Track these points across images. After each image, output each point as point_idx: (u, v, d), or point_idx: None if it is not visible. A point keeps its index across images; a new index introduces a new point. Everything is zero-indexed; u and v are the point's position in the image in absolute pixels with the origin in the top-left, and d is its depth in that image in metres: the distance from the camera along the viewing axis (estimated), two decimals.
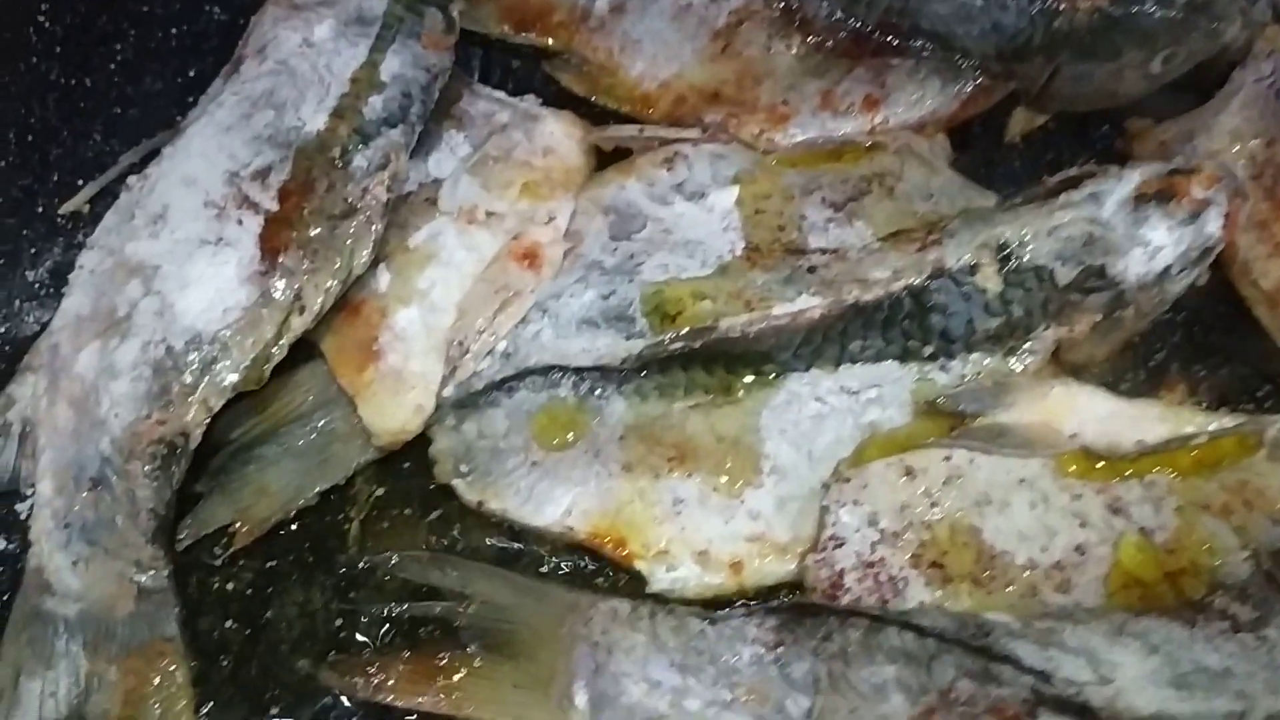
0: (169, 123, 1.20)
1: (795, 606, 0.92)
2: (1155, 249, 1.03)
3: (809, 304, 1.02)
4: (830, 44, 1.24)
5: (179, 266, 1.03)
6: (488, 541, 1.04)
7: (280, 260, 1.03)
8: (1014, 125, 1.29)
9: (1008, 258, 1.03)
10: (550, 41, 1.31)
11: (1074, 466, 1.01)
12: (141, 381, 0.99)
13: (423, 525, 1.04)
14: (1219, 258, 1.14)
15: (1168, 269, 1.04)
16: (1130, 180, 1.04)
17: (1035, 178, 1.13)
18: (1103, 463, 1.01)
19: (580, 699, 0.91)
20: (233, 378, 1.00)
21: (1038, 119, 1.29)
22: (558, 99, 1.28)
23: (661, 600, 0.98)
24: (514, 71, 1.33)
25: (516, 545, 1.04)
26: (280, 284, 1.03)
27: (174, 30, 1.31)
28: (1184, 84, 1.27)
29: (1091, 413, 1.04)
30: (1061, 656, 0.85)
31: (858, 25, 1.24)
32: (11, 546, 1.00)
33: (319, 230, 1.05)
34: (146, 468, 0.97)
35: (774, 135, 1.20)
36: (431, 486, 1.05)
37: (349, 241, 1.05)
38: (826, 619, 0.90)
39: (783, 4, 1.26)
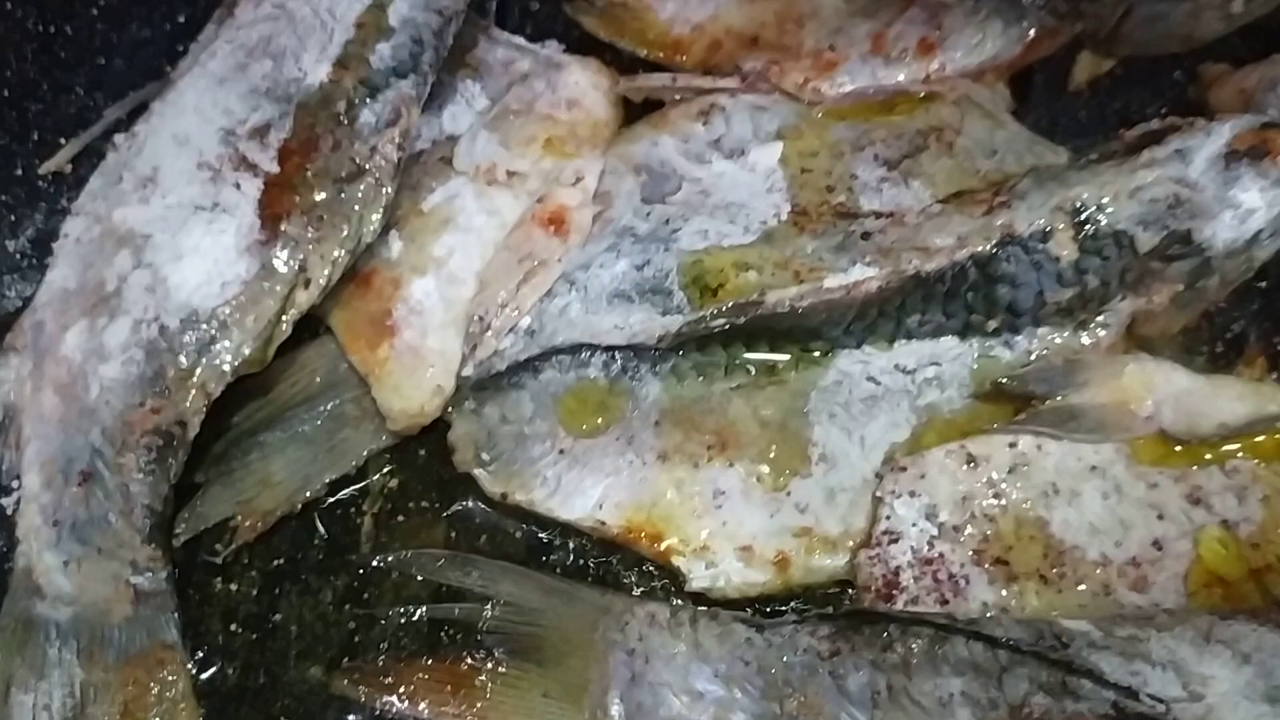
0: (158, 73, 1.13)
1: (852, 613, 0.85)
2: (1247, 212, 0.94)
3: (865, 275, 0.93)
4: None
5: (172, 236, 0.95)
6: (514, 536, 0.97)
7: (282, 228, 0.96)
8: (1079, 72, 1.19)
9: (1084, 222, 0.94)
10: None
11: (1150, 452, 0.95)
12: (134, 365, 0.92)
13: (442, 519, 0.98)
14: None
15: (1258, 234, 0.94)
16: (1221, 135, 0.95)
17: (1103, 130, 1.06)
18: (1181, 448, 0.94)
19: (615, 710, 0.85)
20: (233, 360, 0.93)
21: (1104, 64, 1.19)
22: (581, 45, 1.19)
23: (701, 600, 0.92)
24: (534, 14, 1.24)
25: (544, 540, 0.97)
26: (283, 254, 0.95)
27: None
28: (1263, 26, 1.17)
29: (1168, 391, 0.96)
30: (1147, 669, 0.78)
31: None
32: None
33: (324, 194, 0.98)
34: (141, 460, 0.91)
35: (820, 85, 1.11)
36: (451, 476, 0.98)
37: (357, 206, 0.98)
38: (887, 627, 0.83)
39: None
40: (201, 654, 0.92)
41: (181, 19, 1.20)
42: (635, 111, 1.14)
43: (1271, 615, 0.84)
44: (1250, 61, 1.16)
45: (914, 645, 0.82)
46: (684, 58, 1.17)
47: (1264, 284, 1.07)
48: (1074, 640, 0.80)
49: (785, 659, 0.84)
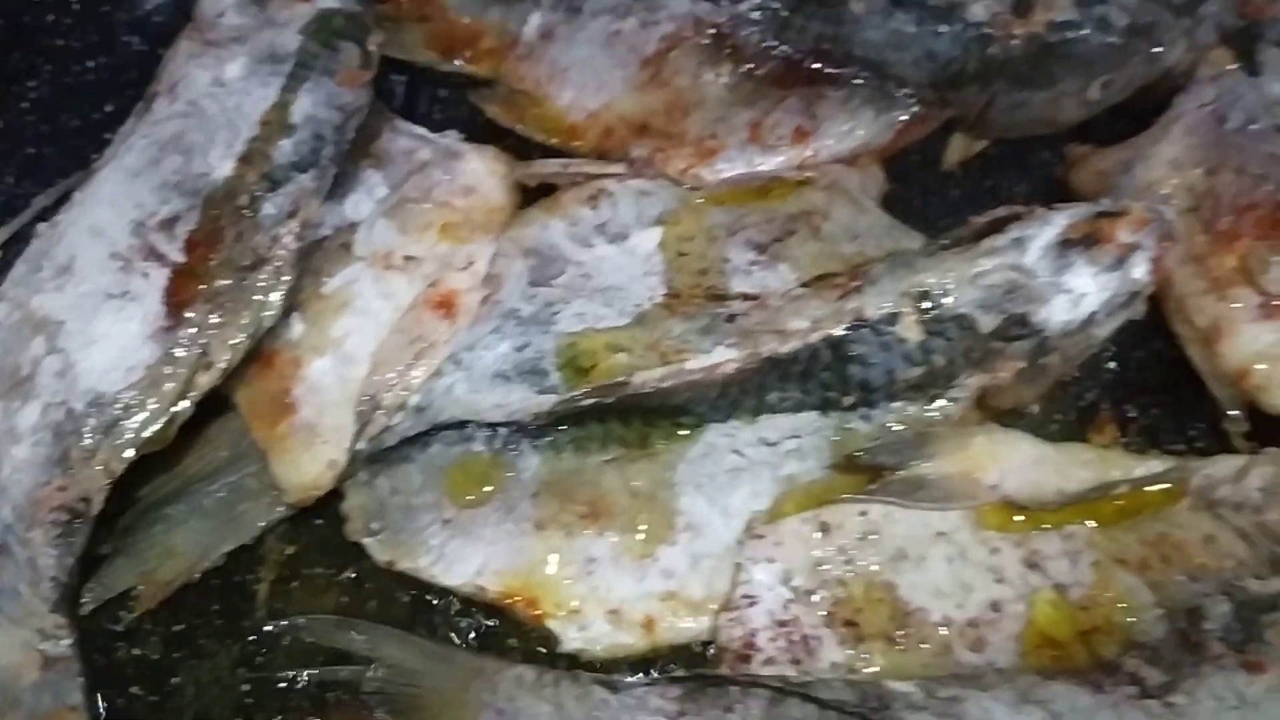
0: (86, 162, 1.18)
1: (698, 676, 0.91)
2: (1079, 296, 1.00)
3: (725, 357, 1.00)
4: (761, 72, 1.22)
5: (83, 323, 1.01)
6: (401, 602, 1.03)
7: (186, 315, 1.02)
8: (952, 153, 1.26)
9: (929, 307, 1.00)
10: (478, 69, 1.29)
11: (994, 519, 1.00)
12: (42, 446, 0.97)
13: (334, 585, 1.03)
14: (1155, 293, 1.12)
15: (1093, 315, 1.01)
16: (1055, 225, 1.01)
17: (974, 207, 1.10)
18: (1023, 514, 1.00)
19: None
20: (135, 440, 0.98)
21: (976, 146, 1.27)
22: (485, 131, 1.25)
23: (571, 661, 0.98)
24: (441, 101, 1.31)
25: (430, 604, 1.03)
26: (186, 340, 1.01)
27: (90, 64, 1.29)
28: (1128, 108, 1.25)
29: (1014, 461, 1.02)
30: None
31: (789, 52, 1.22)
32: None
33: (227, 282, 1.03)
34: (48, 535, 0.96)
35: (701, 171, 1.18)
36: (343, 545, 1.04)
37: (258, 294, 1.03)
38: (728, 689, 0.89)
39: (713, 30, 1.23)
40: (104, 715, 0.97)
41: (110, 108, 1.26)
42: (532, 195, 1.20)
43: (1091, 676, 0.90)
44: (1114, 143, 1.24)
45: (753, 706, 0.88)
46: (580, 142, 1.23)
47: (1116, 353, 1.15)
48: (895, 701, 0.86)
49: (637, 718, 0.90)
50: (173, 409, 1.00)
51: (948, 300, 1.00)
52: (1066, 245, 1.01)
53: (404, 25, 1.30)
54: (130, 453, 0.98)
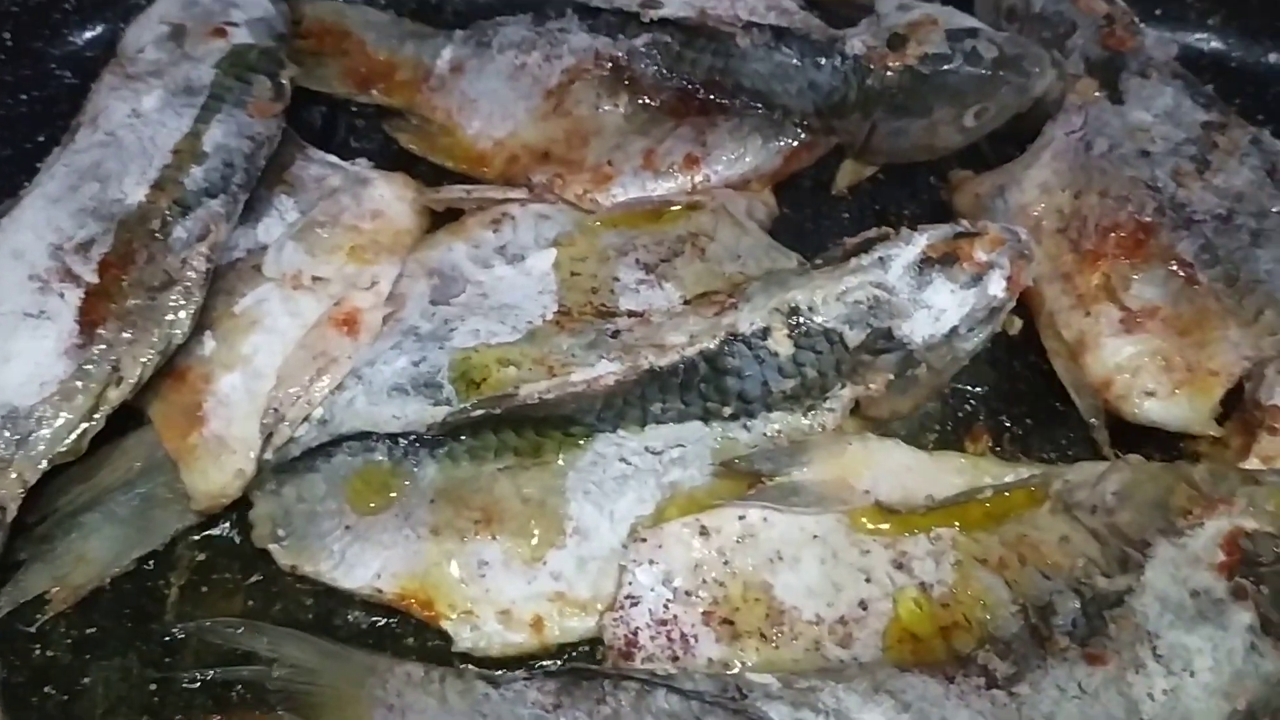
0: (17, 189, 1.22)
1: (572, 670, 0.96)
2: (939, 311, 1.07)
3: (606, 370, 1.06)
4: (656, 103, 1.29)
5: (2, 341, 1.06)
6: (305, 604, 1.07)
7: (98, 332, 1.07)
8: (841, 178, 1.34)
9: (798, 322, 1.07)
10: (392, 101, 1.36)
11: (867, 522, 1.05)
12: None
13: (242, 588, 1.08)
14: (1027, 309, 1.19)
15: (954, 329, 1.08)
16: (916, 244, 1.08)
17: (865, 228, 1.16)
18: (894, 518, 1.05)
19: None
20: (47, 451, 1.04)
21: (865, 171, 1.34)
22: (399, 159, 1.32)
23: (465, 659, 1.02)
24: (356, 131, 1.37)
25: (331, 608, 1.07)
26: (97, 356, 1.06)
27: (23, 96, 1.34)
28: (1010, 133, 1.32)
29: (887, 467, 1.08)
30: (812, 716, 0.89)
31: (682, 84, 1.29)
32: None
33: (138, 301, 1.09)
34: None
35: (597, 195, 1.25)
36: (251, 550, 1.08)
37: (168, 312, 1.09)
38: (600, 682, 0.94)
39: (611, 63, 1.30)
40: (16, 714, 1.00)
41: (41, 138, 1.31)
42: (441, 219, 1.26)
43: (944, 668, 0.96)
44: (996, 167, 1.31)
45: (623, 699, 0.92)
46: (487, 170, 1.31)
47: (991, 366, 1.22)
48: (753, 691, 0.91)
49: (516, 711, 0.94)
50: (84, 423, 1.05)
51: (817, 316, 1.07)
52: (926, 264, 1.08)
53: (322, 59, 1.37)
54: (44, 464, 1.03)
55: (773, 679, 0.93)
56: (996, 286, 1.07)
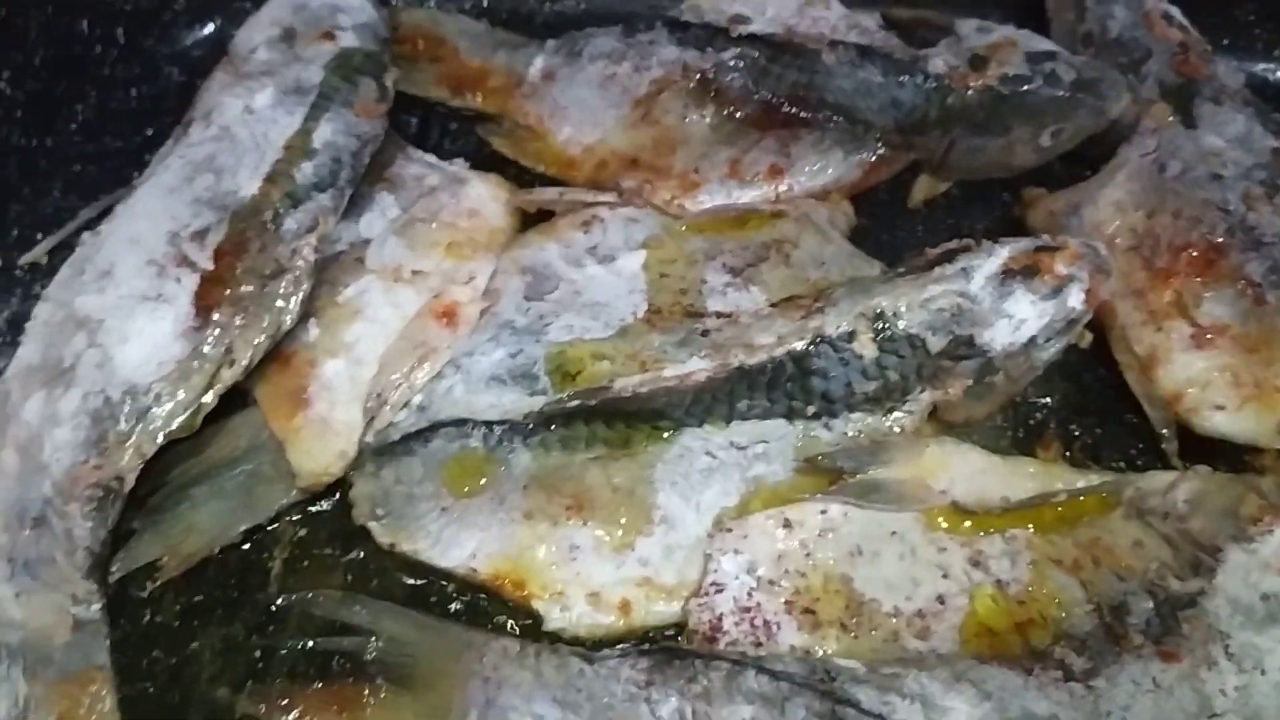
0: (126, 180, 1.28)
1: (665, 649, 0.99)
2: (1019, 321, 1.11)
3: (697, 367, 1.10)
4: (741, 114, 1.34)
5: (121, 321, 1.12)
6: (400, 581, 1.11)
7: (213, 317, 1.12)
8: (916, 192, 1.38)
9: (883, 327, 1.11)
10: (485, 106, 1.41)
11: (943, 521, 1.09)
12: (81, 429, 1.07)
13: (340, 564, 1.12)
14: (1100, 323, 1.22)
15: (1033, 339, 1.12)
16: (998, 256, 1.12)
17: (937, 242, 1.20)
18: (970, 518, 1.09)
19: None
20: (164, 427, 1.08)
21: (940, 186, 1.38)
22: (490, 161, 1.37)
23: (555, 638, 1.06)
24: (450, 133, 1.43)
25: (425, 584, 1.11)
26: (212, 339, 1.11)
27: (133, 92, 1.40)
28: (1082, 154, 1.36)
29: (963, 469, 1.11)
30: (898, 701, 0.93)
31: (767, 97, 1.34)
32: None
33: (250, 288, 1.14)
34: (84, 509, 1.05)
35: (684, 201, 1.29)
36: (349, 528, 1.13)
37: (278, 299, 1.14)
38: (692, 662, 0.98)
39: (699, 75, 1.35)
40: (126, 674, 1.04)
41: (150, 132, 1.37)
42: (531, 220, 1.31)
43: (1022, 661, 0.99)
44: (1067, 185, 1.35)
45: (714, 677, 0.96)
46: (576, 174, 1.36)
47: (1063, 377, 1.25)
48: (840, 674, 0.95)
49: (610, 687, 0.97)
50: (199, 400, 1.10)
51: (900, 321, 1.11)
52: (1008, 275, 1.11)
53: (418, 65, 1.43)
54: (160, 438, 1.08)
55: (859, 664, 0.97)
56: (1075, 299, 1.11)
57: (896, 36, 1.37)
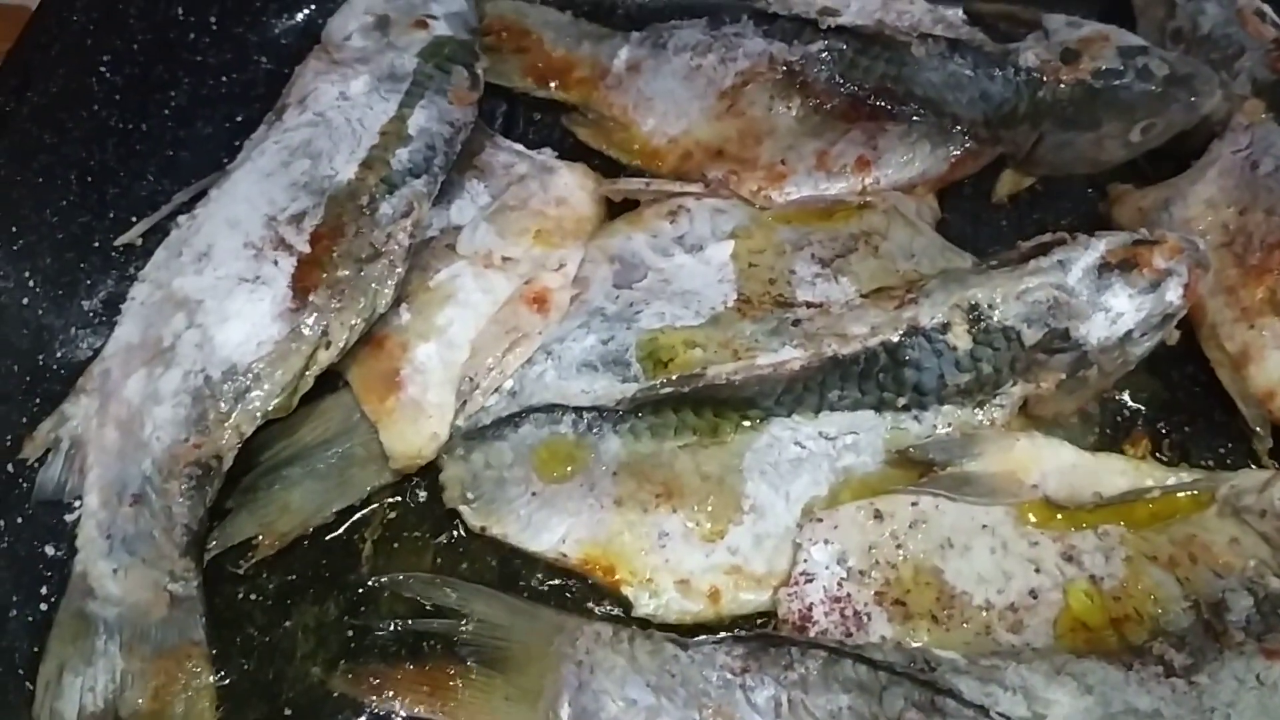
0: (218, 165, 1.30)
1: (761, 636, 1.00)
2: (1116, 315, 1.10)
3: (790, 355, 1.10)
4: (828, 107, 1.33)
5: (220, 302, 1.13)
6: (490, 564, 1.12)
7: (310, 299, 1.13)
8: (1001, 187, 1.37)
9: (978, 318, 1.10)
10: (570, 96, 1.42)
11: (1034, 515, 1.09)
12: (181, 408, 1.09)
13: (431, 546, 1.13)
14: (1189, 320, 1.21)
15: (1129, 333, 1.11)
16: (1096, 249, 1.11)
17: (1021, 237, 1.19)
18: (1061, 513, 1.08)
19: (565, 712, 0.99)
20: (264, 406, 1.10)
21: (1025, 181, 1.37)
22: (575, 151, 1.38)
23: (644, 624, 1.06)
24: (535, 123, 1.44)
25: (516, 567, 1.12)
26: (310, 321, 1.13)
27: (224, 79, 1.42)
28: (1168, 151, 1.35)
29: (1054, 465, 1.11)
30: (1000, 693, 0.93)
31: (855, 90, 1.33)
32: (59, 553, 1.09)
33: (346, 272, 1.15)
34: (183, 486, 1.07)
35: (771, 192, 1.29)
36: (440, 511, 1.14)
37: (373, 283, 1.15)
38: (788, 649, 0.98)
39: (785, 67, 1.35)
40: (222, 651, 1.06)
41: (240, 118, 1.39)
42: (617, 208, 1.32)
43: (1121, 657, 0.98)
44: (1153, 183, 1.34)
45: (810, 665, 0.97)
46: (660, 165, 1.36)
47: (1152, 374, 1.24)
48: (940, 664, 0.95)
49: (705, 673, 0.98)
50: (297, 381, 1.11)
51: (995, 313, 1.10)
52: (1106, 268, 1.11)
53: (504, 56, 1.44)
54: (259, 417, 1.10)
55: (957, 654, 0.97)
56: (1174, 293, 1.10)
57: (981, 31, 1.36)
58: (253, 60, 1.44)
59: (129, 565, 1.06)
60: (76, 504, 1.10)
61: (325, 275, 1.14)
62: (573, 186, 1.29)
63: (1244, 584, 1.01)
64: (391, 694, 1.02)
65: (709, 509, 1.10)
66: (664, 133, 1.36)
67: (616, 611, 1.09)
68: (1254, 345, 1.19)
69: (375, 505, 1.15)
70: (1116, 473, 1.12)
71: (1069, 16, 1.35)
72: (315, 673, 1.06)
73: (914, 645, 1.01)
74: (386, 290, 1.15)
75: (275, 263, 1.15)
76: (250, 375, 1.10)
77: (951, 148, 1.31)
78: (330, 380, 1.17)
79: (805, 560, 1.07)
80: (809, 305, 1.17)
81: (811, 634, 1.04)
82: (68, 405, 1.14)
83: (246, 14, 1.46)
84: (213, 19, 1.42)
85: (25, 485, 1.12)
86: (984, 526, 1.08)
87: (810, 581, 1.06)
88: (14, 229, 1.23)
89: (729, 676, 0.98)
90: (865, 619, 1.04)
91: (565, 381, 1.15)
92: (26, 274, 1.22)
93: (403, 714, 1.02)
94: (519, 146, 1.34)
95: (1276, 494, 1.07)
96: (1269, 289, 1.20)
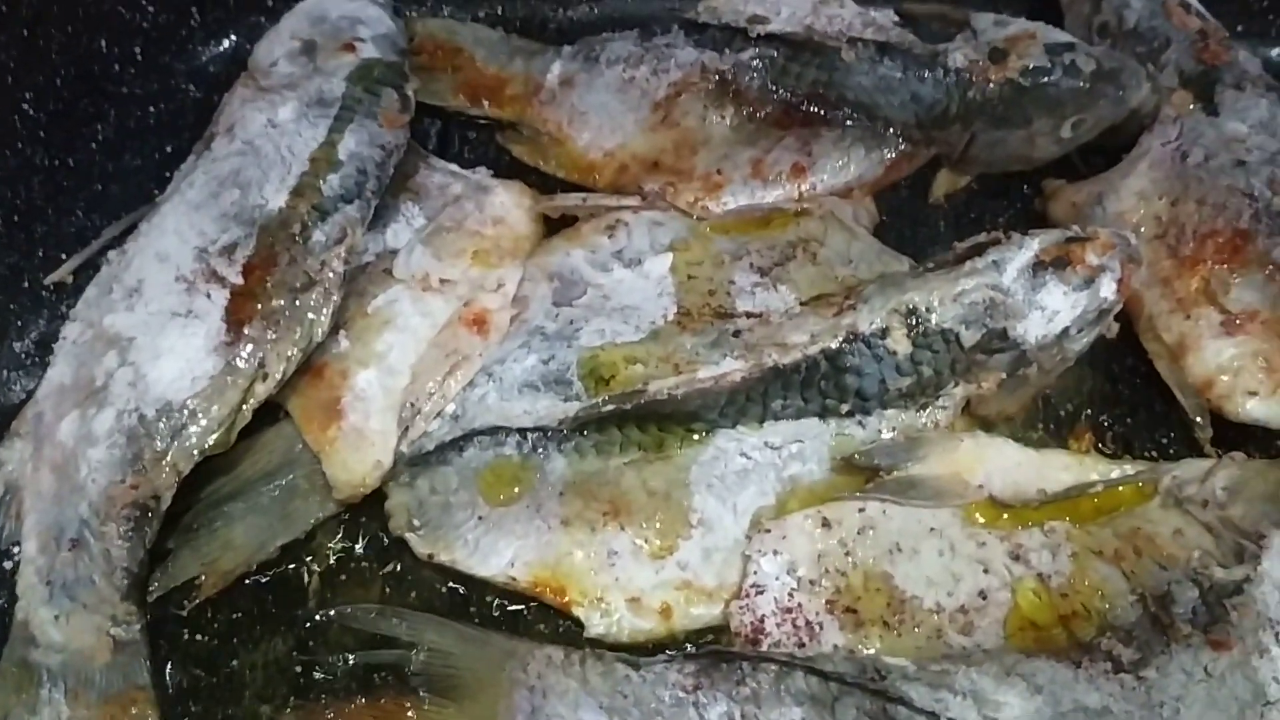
0: (148, 197, 1.28)
1: (713, 653, 0.99)
2: (1053, 313, 1.10)
3: (731, 367, 1.10)
4: (761, 114, 1.34)
5: (152, 338, 1.11)
6: (440, 591, 1.11)
7: (245, 331, 1.12)
8: (938, 187, 1.38)
9: (916, 322, 1.10)
10: (504, 114, 1.41)
11: (981, 515, 1.10)
12: (116, 448, 1.07)
13: (378, 576, 1.12)
14: (1127, 312, 1.22)
15: (1066, 330, 1.11)
16: (1029, 248, 1.12)
17: (959, 236, 1.20)
18: (1008, 512, 1.09)
19: None
20: (200, 443, 1.08)
21: (960, 181, 1.38)
22: (511, 169, 1.38)
23: (597, 645, 1.06)
24: (470, 142, 1.43)
25: (465, 594, 1.11)
26: (245, 353, 1.11)
27: (152, 109, 1.40)
28: (1100, 145, 1.36)
29: (999, 463, 1.12)
30: (950, 698, 0.92)
31: (787, 96, 1.34)
32: (0, 601, 1.08)
33: (281, 302, 1.13)
34: (121, 529, 1.05)
35: (708, 203, 1.29)
36: (387, 540, 1.13)
37: (309, 312, 1.14)
38: (740, 665, 0.97)
39: (717, 76, 1.35)
40: (168, 694, 1.04)
41: (169, 149, 1.37)
42: (555, 226, 1.31)
43: (1070, 654, 0.99)
44: (1086, 177, 1.35)
45: (762, 680, 0.96)
46: (597, 179, 1.36)
47: (1092, 368, 1.25)
48: (890, 673, 0.94)
49: (657, 693, 0.97)
50: (234, 415, 1.09)
51: (933, 316, 1.11)
52: (1040, 267, 1.11)
53: (436, 74, 1.43)
54: (196, 454, 1.08)
55: (908, 662, 0.97)
56: (1108, 289, 1.11)
57: (912, 32, 1.37)
58: (180, 90, 1.42)
59: (70, 611, 1.04)
60: (15, 550, 1.08)
61: (259, 306, 1.13)
62: (509, 205, 1.28)
63: (1189, 575, 1.02)
64: None
65: (657, 525, 1.10)
66: (599, 146, 1.36)
67: (572, 630, 1.08)
68: (1190, 335, 1.20)
69: (320, 538, 1.14)
70: (1060, 468, 1.13)
71: (997, 15, 1.37)
72: (265, 711, 1.04)
73: (866, 653, 1.01)
74: (323, 319, 1.14)
75: (208, 296, 1.13)
76: (185, 412, 1.08)
77: (885, 150, 1.31)
78: (270, 412, 1.16)
79: (755, 572, 1.07)
80: (749, 315, 1.17)
81: (764, 646, 1.04)
82: (1, 450, 1.12)
83: (172, 43, 1.43)
84: (138, 49, 1.40)
85: None
86: (932, 529, 1.08)
87: (761, 593, 1.06)
88: None
89: (681, 695, 0.97)
90: (817, 628, 1.04)
91: (507, 403, 1.14)
92: None
93: None
94: (454, 167, 1.32)
95: (1219, 483, 1.08)
96: (1203, 279, 1.22)
